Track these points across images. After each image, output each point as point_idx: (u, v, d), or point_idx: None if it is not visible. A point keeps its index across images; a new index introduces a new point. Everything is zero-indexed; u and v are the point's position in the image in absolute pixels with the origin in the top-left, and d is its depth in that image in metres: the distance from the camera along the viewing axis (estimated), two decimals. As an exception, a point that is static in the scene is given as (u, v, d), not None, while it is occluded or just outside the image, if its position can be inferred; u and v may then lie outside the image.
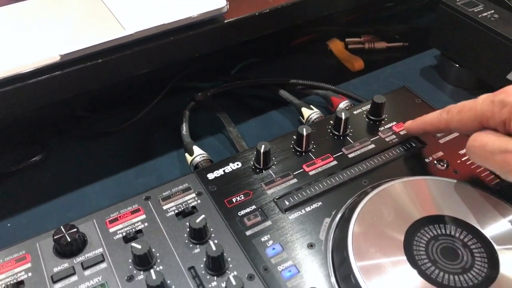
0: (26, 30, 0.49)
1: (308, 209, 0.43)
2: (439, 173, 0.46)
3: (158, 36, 0.49)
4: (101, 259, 0.40)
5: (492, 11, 0.60)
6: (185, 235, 0.41)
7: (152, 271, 0.36)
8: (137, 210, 0.43)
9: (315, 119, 0.56)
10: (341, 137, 0.50)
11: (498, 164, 0.37)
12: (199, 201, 0.44)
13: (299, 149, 0.48)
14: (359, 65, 0.72)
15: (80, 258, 0.40)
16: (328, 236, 0.41)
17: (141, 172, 0.57)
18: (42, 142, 0.60)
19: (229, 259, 0.39)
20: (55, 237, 0.39)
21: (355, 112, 0.53)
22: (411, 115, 0.50)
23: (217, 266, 0.38)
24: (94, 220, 0.43)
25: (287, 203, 0.44)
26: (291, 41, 0.76)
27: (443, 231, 0.39)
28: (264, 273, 0.38)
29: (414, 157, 0.48)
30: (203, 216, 0.40)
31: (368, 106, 0.53)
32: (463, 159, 0.47)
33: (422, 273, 0.36)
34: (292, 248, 0.40)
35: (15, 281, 0.38)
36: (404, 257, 0.37)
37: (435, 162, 0.47)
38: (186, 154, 0.53)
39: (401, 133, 0.50)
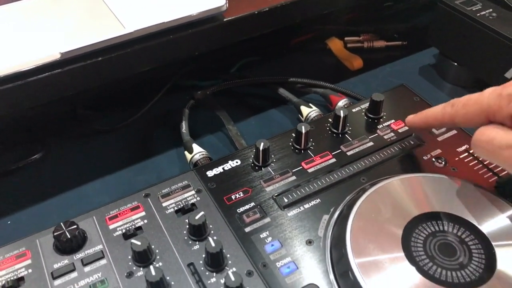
0: (27, 28, 0.49)
1: (306, 206, 0.43)
2: (437, 170, 0.46)
3: (157, 34, 0.50)
4: (101, 255, 0.40)
5: (491, 9, 0.60)
6: (185, 232, 0.41)
7: (151, 267, 0.36)
8: (137, 207, 0.43)
9: (314, 117, 0.56)
10: (340, 135, 0.50)
11: (506, 159, 0.36)
12: (198, 198, 0.44)
13: (298, 147, 0.49)
14: (358, 64, 0.72)
15: (80, 255, 0.40)
16: (326, 232, 0.41)
17: (141, 169, 0.57)
18: (43, 140, 0.60)
19: (228, 255, 0.40)
20: (55, 234, 0.40)
21: (353, 110, 0.53)
22: (409, 113, 0.50)
23: (216, 262, 0.38)
24: (94, 217, 0.43)
25: (286, 200, 0.44)
26: (290, 39, 0.77)
27: (441, 227, 0.39)
28: (263, 269, 0.39)
29: (413, 155, 0.48)
30: (202, 212, 0.41)
31: (367, 104, 0.53)
32: (461, 157, 0.47)
33: (420, 269, 0.37)
34: (291, 244, 0.40)
35: (15, 277, 0.39)
36: (402, 254, 0.38)
37: (433, 159, 0.47)
38: (186, 152, 0.54)
39: (400, 131, 0.50)
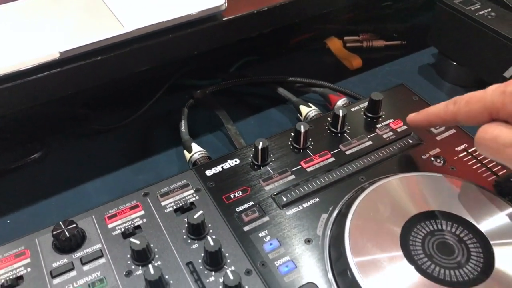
0: (25, 27, 0.49)
1: (305, 205, 0.43)
2: (436, 169, 0.46)
3: (156, 33, 0.50)
4: (99, 254, 0.40)
5: (489, 9, 0.60)
6: (183, 231, 0.41)
7: (150, 266, 0.36)
8: (136, 206, 0.43)
9: (313, 116, 0.57)
10: (339, 134, 0.50)
11: (510, 157, 0.35)
12: (197, 197, 0.44)
13: (297, 146, 0.49)
14: (357, 63, 0.72)
15: (79, 254, 0.40)
16: (325, 231, 0.41)
17: (140, 169, 0.57)
18: (42, 139, 0.60)
19: (226, 254, 0.40)
20: (54, 233, 0.40)
21: (352, 109, 0.53)
22: (408, 113, 0.50)
23: (214, 261, 0.38)
24: (93, 216, 0.43)
25: (284, 199, 0.44)
26: (289, 39, 0.77)
27: (439, 226, 0.39)
28: (261, 268, 0.39)
29: (411, 154, 0.48)
30: (201, 211, 0.41)
31: (366, 104, 0.53)
32: (459, 156, 0.47)
33: (418, 268, 0.37)
34: (290, 243, 0.40)
35: (14, 276, 0.39)
36: (401, 253, 0.38)
37: (432, 158, 0.47)
38: (185, 151, 0.54)
39: (399, 130, 0.50)
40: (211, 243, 0.38)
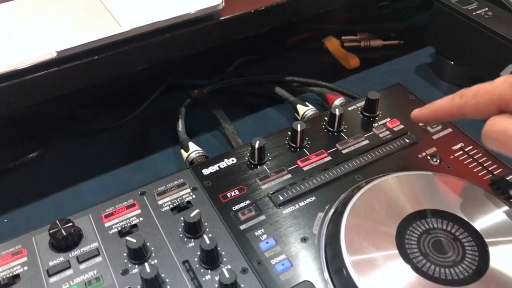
0: (23, 27, 0.49)
1: (302, 203, 0.43)
2: (432, 168, 0.46)
3: (154, 33, 0.50)
4: (96, 253, 0.40)
5: (486, 8, 0.60)
6: (180, 230, 0.42)
7: (146, 264, 0.37)
8: (133, 205, 0.44)
9: (310, 115, 0.57)
10: (336, 133, 0.50)
11: None
12: (194, 196, 0.44)
13: (293, 145, 0.49)
14: (355, 63, 0.72)
15: (75, 252, 0.40)
16: (321, 230, 0.41)
17: (138, 168, 0.57)
18: (39, 138, 0.60)
19: (223, 253, 0.40)
20: (51, 232, 0.40)
21: (349, 109, 0.53)
22: (405, 112, 0.50)
23: (211, 259, 0.39)
24: (90, 215, 0.43)
25: (281, 198, 0.44)
26: (287, 38, 0.77)
27: (435, 225, 0.40)
28: (257, 267, 0.39)
29: (408, 153, 0.48)
30: (197, 210, 0.41)
31: (363, 103, 0.53)
32: (456, 155, 0.47)
33: (414, 267, 0.37)
34: (286, 242, 0.41)
35: (11, 274, 0.39)
36: (396, 251, 0.38)
37: (428, 157, 0.47)
38: (182, 151, 0.54)
39: (395, 129, 0.50)
40: (207, 241, 0.38)
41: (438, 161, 0.47)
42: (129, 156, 0.58)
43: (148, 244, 0.40)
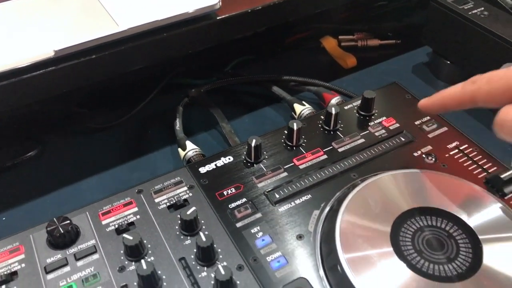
0: (21, 26, 0.49)
1: (297, 201, 0.44)
2: (428, 166, 0.46)
3: (151, 32, 0.50)
4: (93, 250, 0.40)
5: (482, 8, 0.60)
6: (177, 227, 0.42)
7: (143, 261, 0.37)
8: (130, 203, 0.44)
9: (307, 114, 0.57)
10: (332, 132, 0.51)
11: None
12: (190, 194, 0.45)
13: (290, 144, 0.49)
14: (352, 62, 0.72)
15: (73, 250, 0.40)
16: (317, 227, 0.41)
17: (136, 167, 0.57)
18: (38, 137, 0.61)
19: (219, 250, 0.40)
20: (48, 229, 0.40)
21: (345, 108, 0.54)
22: (401, 111, 0.51)
23: (207, 256, 0.39)
24: (87, 213, 0.43)
25: (277, 195, 0.44)
26: (284, 38, 0.77)
27: (429, 222, 0.40)
28: (253, 264, 0.39)
29: (403, 151, 0.48)
30: (194, 208, 0.41)
31: (359, 102, 0.53)
32: (451, 153, 0.48)
33: (408, 264, 0.37)
34: (282, 239, 0.41)
35: (8, 271, 0.39)
36: (391, 248, 0.38)
37: (424, 156, 0.48)
38: (179, 149, 0.54)
39: (391, 128, 0.51)
40: (204, 239, 0.38)
41: (434, 159, 0.47)
42: (127, 154, 0.59)
43: (144, 241, 0.40)
